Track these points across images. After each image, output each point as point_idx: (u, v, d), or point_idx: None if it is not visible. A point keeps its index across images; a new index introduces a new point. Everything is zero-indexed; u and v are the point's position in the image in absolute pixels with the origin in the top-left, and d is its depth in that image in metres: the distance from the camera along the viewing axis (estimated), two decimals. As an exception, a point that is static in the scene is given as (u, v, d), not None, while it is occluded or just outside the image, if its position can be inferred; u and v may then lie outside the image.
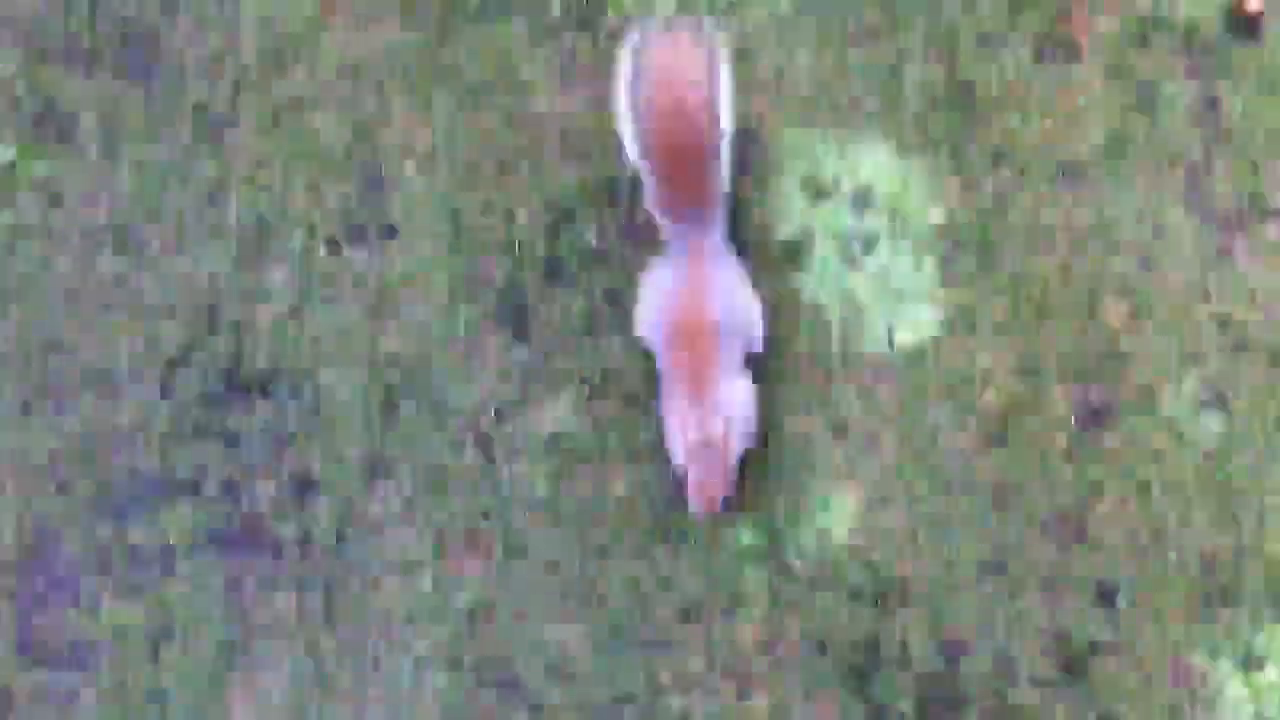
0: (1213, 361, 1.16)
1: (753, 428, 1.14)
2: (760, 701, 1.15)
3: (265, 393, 1.20)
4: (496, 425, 1.19)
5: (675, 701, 1.15)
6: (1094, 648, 1.15)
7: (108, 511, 1.19)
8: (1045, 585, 1.15)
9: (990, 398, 1.17)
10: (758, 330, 1.14)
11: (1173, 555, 1.15)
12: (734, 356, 1.11)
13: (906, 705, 1.15)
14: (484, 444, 1.19)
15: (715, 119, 1.09)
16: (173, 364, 1.21)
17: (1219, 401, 1.16)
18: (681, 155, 1.09)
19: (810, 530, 1.17)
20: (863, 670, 1.15)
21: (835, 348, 1.18)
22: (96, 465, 1.20)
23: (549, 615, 1.17)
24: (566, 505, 1.18)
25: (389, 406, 1.20)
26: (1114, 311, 1.16)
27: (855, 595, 1.16)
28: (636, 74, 1.09)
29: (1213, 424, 1.15)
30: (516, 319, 1.20)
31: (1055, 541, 1.16)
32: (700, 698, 1.15)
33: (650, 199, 1.13)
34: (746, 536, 1.17)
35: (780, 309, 1.17)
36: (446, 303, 1.20)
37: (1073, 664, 1.15)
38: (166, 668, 1.17)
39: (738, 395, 1.11)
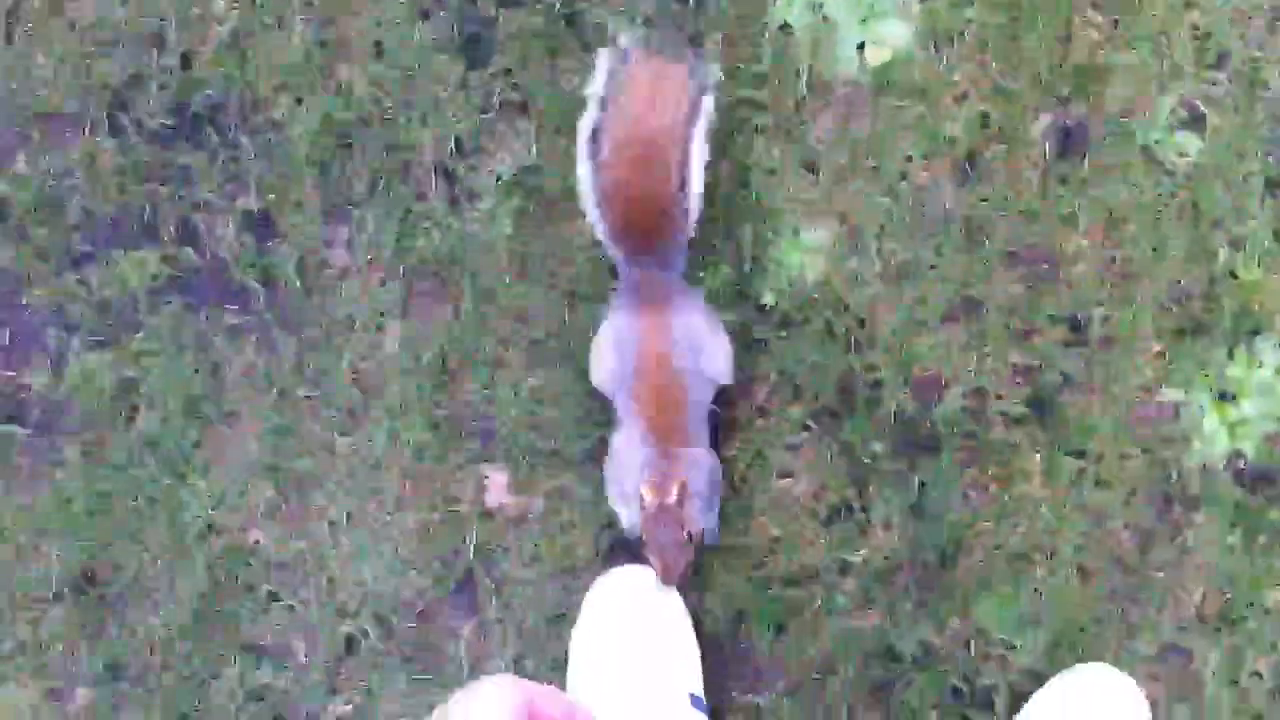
0: (1191, 78, 1.13)
1: (716, 499, 1.07)
2: (737, 447, 1.15)
3: (216, 126, 1.17)
4: (458, 160, 1.16)
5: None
6: (1065, 385, 1.14)
7: (66, 259, 1.18)
8: (1016, 321, 1.15)
9: (963, 124, 1.14)
10: (726, 371, 1.07)
11: (1145, 287, 1.14)
12: (701, 410, 1.05)
13: (881, 448, 1.15)
14: (446, 182, 1.17)
15: (687, 178, 1.01)
16: (119, 98, 1.18)
17: (1196, 122, 1.13)
18: (642, 209, 1.01)
19: (781, 270, 1.15)
20: (836, 413, 1.15)
21: (804, 73, 1.15)
22: (49, 210, 1.18)
23: (522, 364, 1.16)
24: (534, 248, 1.16)
25: (345, 142, 1.17)
26: (1092, 24, 1.13)
27: (827, 336, 1.15)
28: (605, 108, 1.00)
29: (1189, 147, 1.13)
30: (474, 44, 1.17)
31: (1027, 276, 1.15)
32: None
33: (604, 238, 1.05)
34: (717, 277, 1.15)
35: (747, 33, 1.14)
36: (400, 26, 1.17)
37: (1044, 402, 1.14)
38: (141, 422, 1.17)
39: (700, 459, 1.04)
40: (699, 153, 1.02)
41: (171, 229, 1.18)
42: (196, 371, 1.17)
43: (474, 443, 1.16)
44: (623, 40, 1.02)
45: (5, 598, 1.16)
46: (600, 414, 1.14)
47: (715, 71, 1.04)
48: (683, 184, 1.01)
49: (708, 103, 1.02)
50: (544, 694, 0.38)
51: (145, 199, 1.18)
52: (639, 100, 0.99)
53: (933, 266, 1.15)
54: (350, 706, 1.15)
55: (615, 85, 1.00)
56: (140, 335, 1.17)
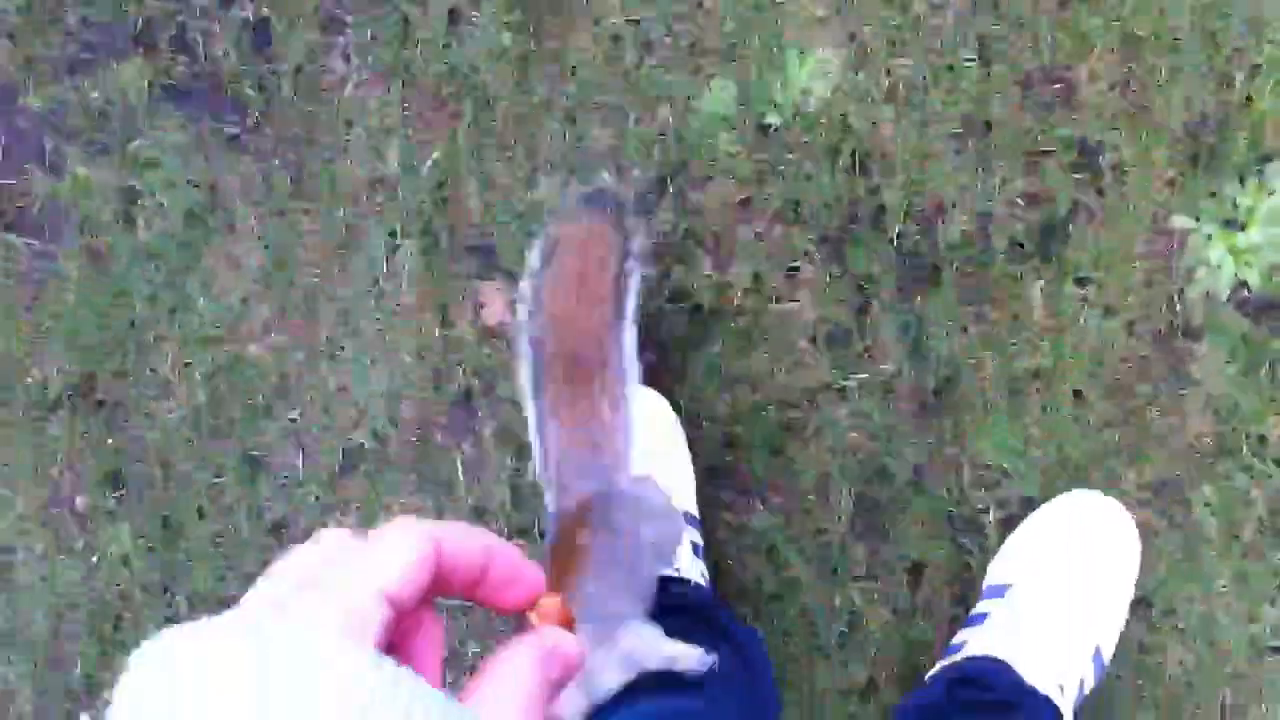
0: (1216, -113, 1.09)
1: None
2: (737, 271, 1.14)
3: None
4: (459, -34, 1.14)
5: (651, 270, 1.14)
6: (1073, 212, 1.13)
7: (63, 67, 1.16)
8: (1027, 146, 1.12)
9: (978, -66, 1.11)
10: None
11: (1160, 112, 1.11)
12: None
13: (882, 273, 1.13)
14: (447, -10, 1.15)
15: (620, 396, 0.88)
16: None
17: (1219, -64, 1.10)
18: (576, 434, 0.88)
19: (787, 89, 1.13)
20: (838, 237, 1.14)
21: (815, -124, 1.11)
22: (46, 16, 1.16)
23: (522, 180, 1.15)
24: (533, 61, 1.14)
25: (345, -56, 1.15)
26: None
27: (832, 159, 1.13)
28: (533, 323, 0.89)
29: (1211, -37, 1.10)
30: None
31: (1040, 100, 1.12)
32: (676, 267, 1.14)
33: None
34: (721, 96, 1.13)
35: None
36: None
37: (1051, 229, 1.13)
38: (141, 232, 1.16)
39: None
40: (632, 354, 0.91)
41: (168, 37, 1.16)
42: (194, 182, 1.16)
43: (473, 260, 1.15)
44: (550, 217, 0.93)
45: (6, 406, 1.17)
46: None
47: (645, 240, 0.94)
48: (615, 402, 0.90)
49: (635, 280, 0.92)
50: (456, 536, 0.34)
51: (141, 6, 1.16)
52: (565, 303, 0.89)
53: (944, 87, 1.12)
54: (348, 519, 1.16)
55: (539, 296, 0.90)
56: (138, 144, 1.16)
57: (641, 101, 1.13)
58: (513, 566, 0.35)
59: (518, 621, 0.36)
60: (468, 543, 0.34)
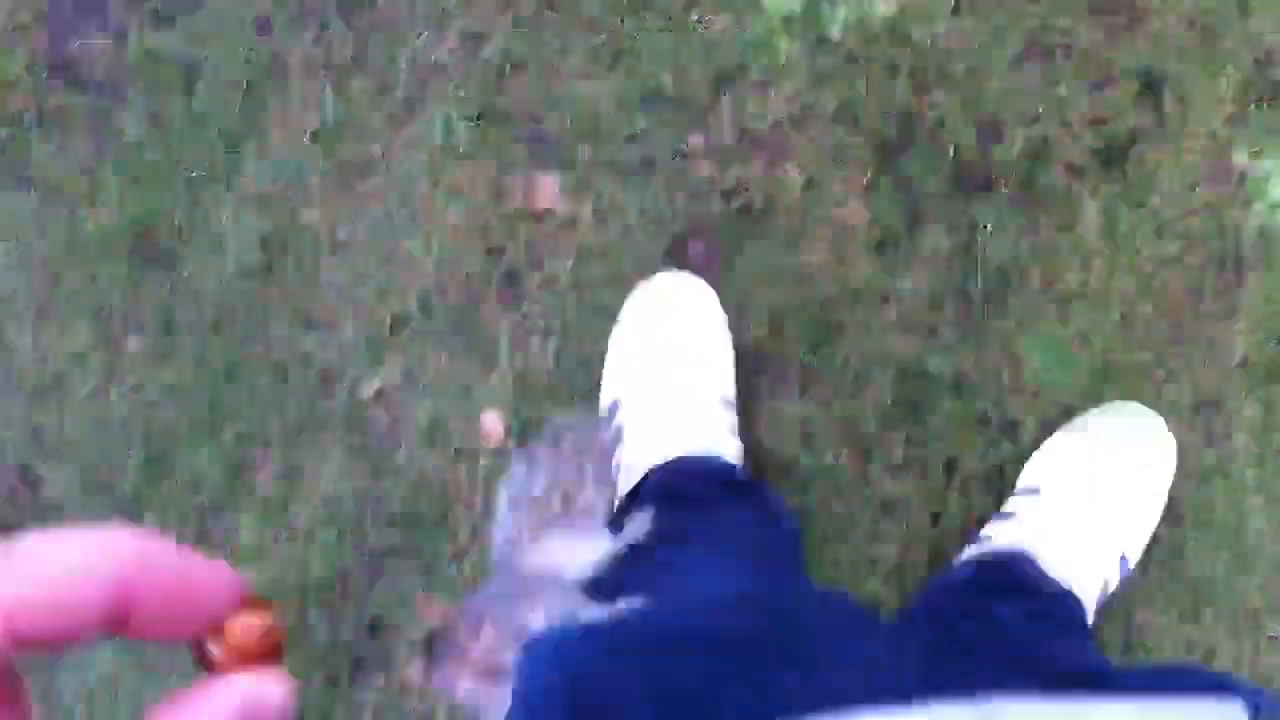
0: None
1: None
2: (790, 173, 1.15)
3: None
4: None
5: (705, 167, 1.15)
6: (1134, 137, 1.13)
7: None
8: (1091, 71, 1.13)
9: None
10: None
11: (1227, 47, 1.12)
12: None
13: (935, 183, 1.14)
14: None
15: None
16: None
17: None
18: None
19: (851, 1, 1.14)
20: (895, 146, 1.14)
21: None
22: None
23: (580, 73, 1.16)
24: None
25: None
26: None
27: (892, 71, 1.14)
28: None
29: (1289, -109, 1.11)
30: None
31: (1106, 24, 1.13)
32: (729, 166, 1.15)
33: None
34: (785, 4, 1.15)
35: None
36: None
37: (1110, 153, 1.13)
38: (201, 96, 1.19)
39: None
40: None
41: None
42: (256, 54, 1.18)
43: (526, 147, 1.16)
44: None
45: (64, 247, 1.19)
46: (656, 126, 1.14)
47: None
48: None
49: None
50: (51, 581, 0.21)
51: None
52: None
53: (1009, 7, 1.13)
54: (393, 382, 1.17)
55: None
56: (201, 15, 1.18)
57: (704, 2, 1.15)
58: (176, 585, 0.22)
59: (195, 655, 0.25)
60: (83, 581, 0.21)
